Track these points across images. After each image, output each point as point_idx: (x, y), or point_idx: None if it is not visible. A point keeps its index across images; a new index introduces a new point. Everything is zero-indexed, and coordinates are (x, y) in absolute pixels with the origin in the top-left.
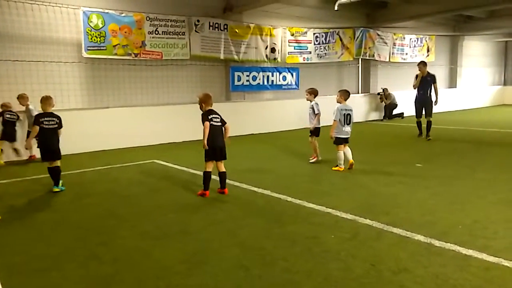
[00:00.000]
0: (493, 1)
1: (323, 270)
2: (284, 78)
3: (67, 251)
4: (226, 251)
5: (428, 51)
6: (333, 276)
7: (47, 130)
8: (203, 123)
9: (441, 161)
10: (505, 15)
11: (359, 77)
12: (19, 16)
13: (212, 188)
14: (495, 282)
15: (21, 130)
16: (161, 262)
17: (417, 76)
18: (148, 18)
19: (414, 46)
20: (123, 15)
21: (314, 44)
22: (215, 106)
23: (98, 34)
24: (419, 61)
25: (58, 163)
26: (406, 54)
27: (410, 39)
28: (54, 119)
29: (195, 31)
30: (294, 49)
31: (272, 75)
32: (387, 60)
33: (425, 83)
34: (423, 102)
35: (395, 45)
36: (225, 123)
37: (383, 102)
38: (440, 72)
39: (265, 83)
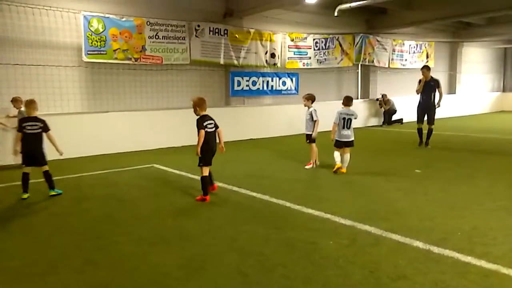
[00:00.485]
0: (492, 8)
1: (321, 277)
2: (284, 83)
3: (64, 256)
4: (224, 256)
5: (427, 57)
6: (332, 283)
7: (30, 135)
8: (198, 129)
9: (440, 168)
10: (504, 22)
11: (358, 82)
12: (20, 20)
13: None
14: None
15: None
16: (158, 267)
17: (420, 81)
18: (148, 23)
19: (414, 52)
20: (123, 19)
21: (314, 49)
22: (215, 111)
23: (99, 39)
24: (422, 66)
25: (46, 167)
26: (406, 60)
27: (410, 45)
28: (37, 123)
29: (195, 36)
30: (294, 54)
31: (272, 80)
32: (387, 66)
33: (428, 88)
34: (426, 108)
35: (394, 51)
36: (218, 127)
37: (382, 108)
38: (439, 78)
39: (265, 88)
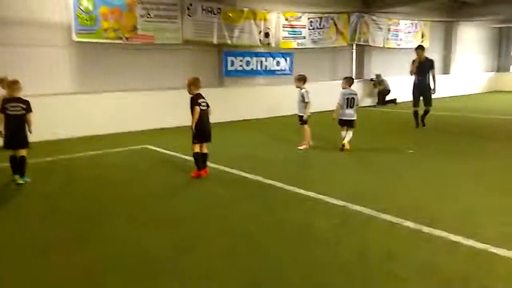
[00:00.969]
0: None
1: (311, 257)
2: (278, 63)
3: (53, 238)
4: (215, 237)
5: (422, 37)
6: (321, 263)
7: (12, 117)
8: (191, 107)
9: (434, 148)
10: (499, 2)
11: (353, 62)
12: None
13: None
14: (483, 268)
15: None
16: (149, 248)
17: (414, 61)
18: (140, 1)
19: (409, 32)
20: None
21: (309, 29)
22: (208, 92)
23: (89, 18)
24: (417, 46)
25: (23, 152)
26: (401, 40)
27: (405, 24)
28: (20, 104)
29: (188, 15)
30: (288, 34)
31: (266, 60)
32: (382, 45)
33: (422, 69)
34: (422, 89)
35: (389, 31)
36: (209, 106)
37: (376, 88)
38: (434, 58)
39: (259, 68)
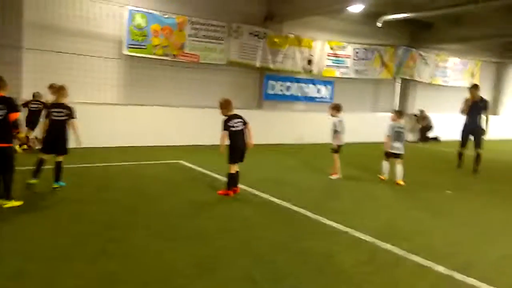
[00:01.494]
0: None
1: None
2: (319, 90)
3: (79, 244)
4: (236, 260)
5: (472, 76)
6: None
7: (55, 122)
8: (223, 129)
9: (474, 190)
10: None
11: (396, 96)
12: (67, 9)
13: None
14: None
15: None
16: (170, 264)
17: (466, 100)
18: (190, 21)
19: (458, 70)
20: (166, 16)
21: (353, 59)
22: (246, 113)
23: (140, 33)
24: (471, 85)
25: (61, 158)
26: (448, 77)
27: (454, 62)
28: (64, 110)
29: (234, 37)
30: (332, 62)
31: (307, 87)
32: (428, 81)
33: (475, 109)
34: (472, 130)
35: (437, 67)
36: (246, 123)
37: (419, 124)
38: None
39: (299, 94)
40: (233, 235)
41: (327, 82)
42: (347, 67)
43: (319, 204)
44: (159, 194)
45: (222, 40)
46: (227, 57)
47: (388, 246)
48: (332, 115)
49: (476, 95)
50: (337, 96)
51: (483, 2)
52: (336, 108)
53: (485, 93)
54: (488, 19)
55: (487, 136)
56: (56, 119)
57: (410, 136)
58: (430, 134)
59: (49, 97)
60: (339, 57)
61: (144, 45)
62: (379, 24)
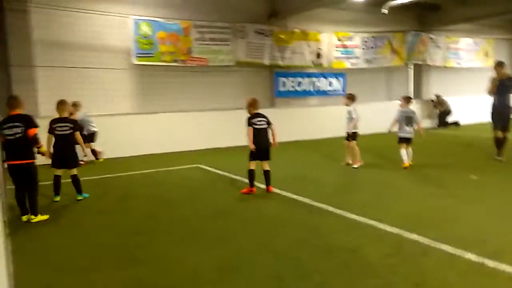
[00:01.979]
0: None
1: (360, 287)
2: (330, 83)
3: (107, 252)
4: (260, 259)
5: (486, 55)
6: None
7: (59, 136)
8: (248, 125)
9: (501, 175)
10: None
11: (410, 82)
12: (74, 25)
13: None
14: None
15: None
16: (194, 268)
17: (493, 79)
18: (195, 25)
19: (470, 50)
20: (171, 23)
21: (362, 48)
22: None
23: (147, 42)
24: (496, 63)
25: (74, 171)
26: (461, 58)
27: (466, 42)
28: (67, 124)
29: (240, 37)
30: (341, 54)
31: (318, 81)
32: (441, 65)
33: (503, 89)
34: (502, 111)
35: (449, 49)
36: (270, 124)
37: (437, 109)
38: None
39: (310, 89)
40: (256, 235)
41: (338, 74)
42: (357, 57)
43: (340, 198)
44: (180, 199)
45: (229, 41)
46: (235, 58)
47: (414, 236)
48: (347, 105)
49: (502, 73)
50: (350, 88)
51: None
52: (351, 98)
53: None
54: None
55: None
56: (60, 134)
57: (428, 122)
58: (449, 119)
59: (76, 116)
60: (347, 47)
61: (152, 53)
62: (385, 11)
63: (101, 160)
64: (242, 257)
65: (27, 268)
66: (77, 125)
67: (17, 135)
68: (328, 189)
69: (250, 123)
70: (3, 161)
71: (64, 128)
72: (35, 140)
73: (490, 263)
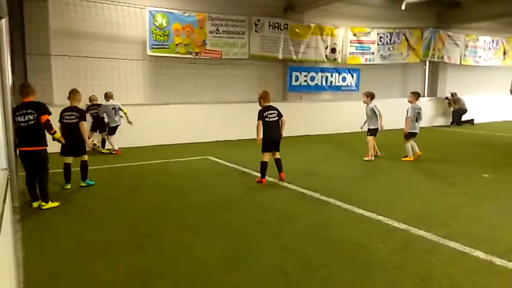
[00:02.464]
0: None
1: (366, 282)
2: (344, 79)
3: (115, 240)
4: (267, 253)
5: (504, 54)
6: None
7: (67, 125)
8: (258, 119)
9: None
10: None
11: (425, 80)
12: (91, 15)
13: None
14: None
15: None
16: (201, 258)
17: None
18: (210, 18)
19: (489, 49)
20: (186, 14)
21: (378, 44)
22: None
23: (162, 33)
24: None
25: (84, 157)
26: (480, 56)
27: (485, 40)
28: (74, 113)
29: (255, 30)
30: (356, 49)
31: (331, 76)
32: (458, 62)
33: None
34: None
35: (467, 47)
36: (281, 116)
37: (452, 107)
38: None
39: (324, 83)
40: (264, 227)
41: (352, 69)
42: (372, 53)
43: (349, 193)
44: (189, 189)
45: (243, 34)
46: (249, 51)
47: (422, 233)
48: (366, 103)
49: None
50: (364, 84)
51: None
52: (371, 96)
53: None
54: None
55: None
56: (68, 122)
57: (442, 120)
58: (464, 117)
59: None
60: (363, 43)
61: (166, 45)
62: (403, 7)
63: (103, 150)
64: (249, 249)
65: (36, 254)
66: (84, 115)
67: (30, 122)
68: (337, 183)
69: (261, 117)
70: (15, 148)
71: (72, 117)
72: (47, 127)
73: (498, 261)
